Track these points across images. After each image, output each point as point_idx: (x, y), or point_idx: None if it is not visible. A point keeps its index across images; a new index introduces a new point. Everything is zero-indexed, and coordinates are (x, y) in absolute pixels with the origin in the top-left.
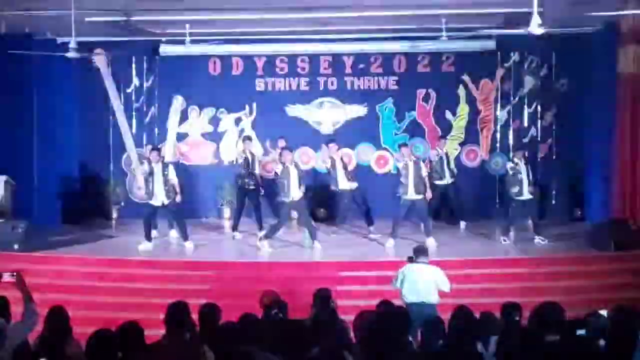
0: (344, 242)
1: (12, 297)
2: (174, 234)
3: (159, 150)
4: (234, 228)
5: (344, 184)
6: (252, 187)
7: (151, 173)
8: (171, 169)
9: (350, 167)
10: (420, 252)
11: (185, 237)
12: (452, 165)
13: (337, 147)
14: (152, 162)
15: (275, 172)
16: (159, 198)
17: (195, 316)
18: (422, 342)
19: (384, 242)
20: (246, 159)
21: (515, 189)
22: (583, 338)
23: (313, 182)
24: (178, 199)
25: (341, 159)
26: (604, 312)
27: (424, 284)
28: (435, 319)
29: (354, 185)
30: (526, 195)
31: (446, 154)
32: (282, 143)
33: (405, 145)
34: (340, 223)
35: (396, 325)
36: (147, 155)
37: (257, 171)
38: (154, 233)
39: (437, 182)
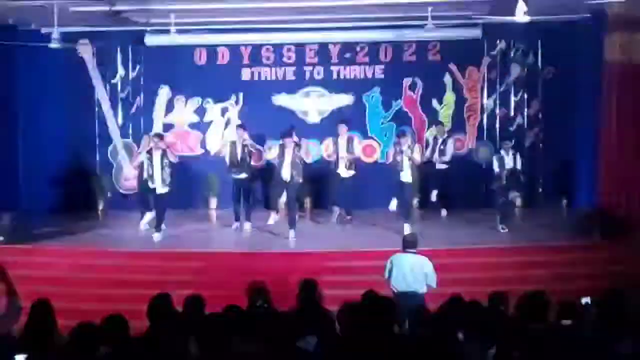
0: (331, 232)
1: None
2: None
3: (161, 137)
4: (247, 218)
5: (342, 171)
6: (244, 176)
7: (150, 159)
8: (169, 152)
9: (355, 154)
10: (409, 242)
11: (158, 227)
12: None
13: (346, 129)
14: (153, 149)
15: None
16: (157, 184)
17: (179, 307)
18: (408, 332)
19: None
20: (239, 146)
21: (499, 182)
22: (568, 327)
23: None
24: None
25: (347, 143)
26: (587, 300)
27: (412, 274)
28: (420, 308)
29: (351, 173)
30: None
31: (434, 138)
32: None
33: (404, 134)
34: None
35: (381, 315)
36: (145, 143)
37: (249, 160)
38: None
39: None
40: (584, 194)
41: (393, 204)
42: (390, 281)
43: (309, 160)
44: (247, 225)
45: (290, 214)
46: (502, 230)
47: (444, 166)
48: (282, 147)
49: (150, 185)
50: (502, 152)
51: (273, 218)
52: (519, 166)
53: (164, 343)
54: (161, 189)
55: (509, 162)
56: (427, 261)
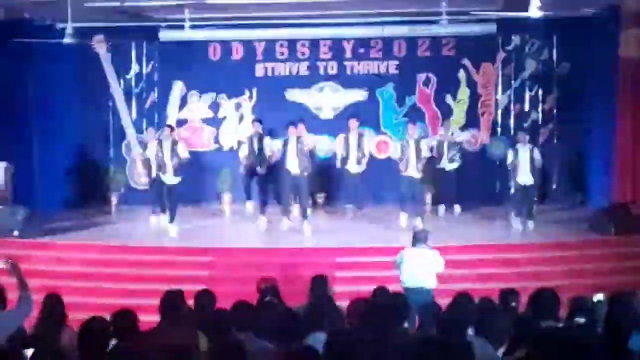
0: (341, 228)
1: (7, 284)
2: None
3: (172, 128)
4: (262, 212)
5: (352, 166)
6: (259, 170)
7: (160, 147)
8: (181, 143)
9: (366, 150)
10: (419, 237)
11: (172, 219)
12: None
13: (357, 124)
14: (162, 140)
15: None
16: (168, 174)
17: (191, 302)
18: (419, 329)
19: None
20: (255, 141)
21: (514, 175)
22: (581, 325)
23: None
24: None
25: (358, 138)
26: (600, 297)
27: (420, 269)
28: (431, 305)
29: (362, 169)
30: (526, 180)
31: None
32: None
33: (413, 122)
34: (357, 207)
35: (391, 311)
36: (155, 135)
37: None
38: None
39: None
40: (599, 189)
41: (403, 219)
42: (400, 276)
43: (321, 154)
44: (262, 220)
45: (302, 205)
46: (514, 226)
47: (452, 166)
48: (286, 140)
49: (162, 176)
50: (518, 145)
51: (286, 224)
52: (537, 157)
53: (174, 338)
54: (172, 180)
55: (523, 155)
56: (438, 254)
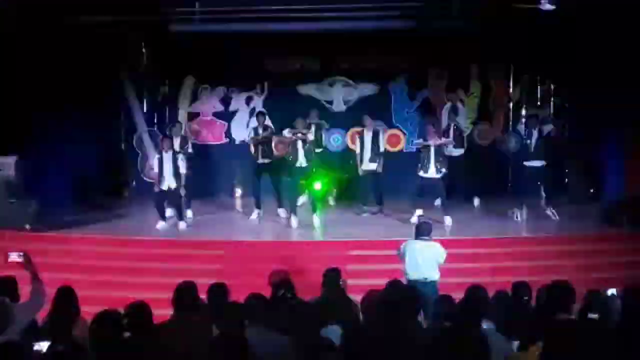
0: (353, 221)
1: (21, 277)
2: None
3: (170, 138)
4: (257, 206)
5: (365, 164)
6: (267, 161)
7: (161, 161)
8: (181, 159)
9: (382, 147)
10: (421, 229)
11: (180, 216)
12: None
13: (371, 121)
14: (162, 151)
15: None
16: (167, 183)
17: (204, 295)
18: (431, 321)
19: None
20: (260, 133)
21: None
22: (594, 319)
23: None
24: (182, 192)
25: (372, 135)
26: (614, 291)
27: (424, 261)
28: (441, 298)
29: (374, 166)
30: (535, 162)
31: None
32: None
33: (432, 125)
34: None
35: (406, 304)
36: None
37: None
38: (168, 212)
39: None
40: (612, 183)
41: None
42: (404, 268)
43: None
44: (293, 220)
45: (313, 202)
46: (516, 219)
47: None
48: (294, 132)
49: (163, 187)
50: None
51: (295, 221)
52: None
53: (188, 331)
54: (173, 185)
55: (532, 138)
56: (440, 247)
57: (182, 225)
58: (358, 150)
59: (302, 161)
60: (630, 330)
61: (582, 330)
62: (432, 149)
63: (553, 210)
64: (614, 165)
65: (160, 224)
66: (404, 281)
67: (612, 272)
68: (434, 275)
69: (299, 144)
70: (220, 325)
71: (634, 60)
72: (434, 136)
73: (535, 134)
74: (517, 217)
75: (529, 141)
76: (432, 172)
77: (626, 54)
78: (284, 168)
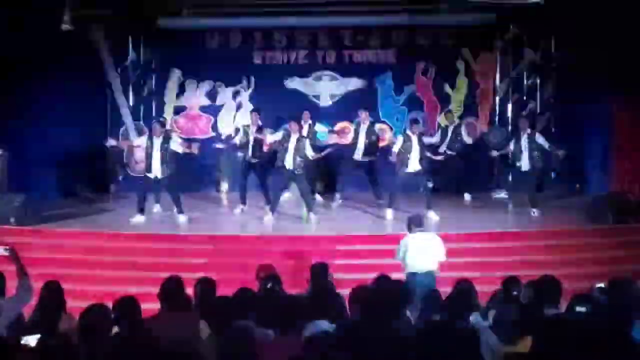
0: (341, 215)
1: (7, 271)
2: (158, 208)
3: (162, 124)
4: (243, 201)
5: (359, 155)
6: (255, 160)
7: (151, 146)
8: (175, 138)
9: (381, 143)
10: (414, 221)
11: (180, 210)
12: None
13: (367, 114)
14: (153, 136)
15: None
16: (154, 172)
17: (191, 290)
18: (420, 315)
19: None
20: (252, 130)
21: (516, 160)
22: (582, 313)
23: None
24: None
25: (367, 129)
26: (601, 285)
27: (423, 253)
28: (432, 293)
29: (369, 158)
30: (525, 166)
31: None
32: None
33: (417, 122)
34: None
35: (393, 299)
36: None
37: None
38: (156, 207)
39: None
40: (597, 178)
41: (389, 214)
42: (404, 263)
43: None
44: (313, 217)
45: (306, 200)
46: (533, 215)
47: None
48: (287, 133)
49: (150, 176)
50: (521, 132)
51: (268, 217)
52: (541, 142)
53: (175, 325)
54: (160, 175)
55: (524, 142)
56: (436, 236)
57: (182, 218)
58: (348, 141)
59: (290, 163)
60: (618, 324)
61: (573, 325)
62: (414, 144)
63: (535, 211)
64: (599, 160)
65: (137, 219)
66: (404, 273)
67: (598, 267)
68: (433, 266)
69: (291, 145)
70: (208, 319)
71: (619, 51)
72: (416, 131)
73: (524, 136)
74: (533, 213)
75: (519, 144)
76: (413, 166)
77: (611, 46)
78: (271, 166)
